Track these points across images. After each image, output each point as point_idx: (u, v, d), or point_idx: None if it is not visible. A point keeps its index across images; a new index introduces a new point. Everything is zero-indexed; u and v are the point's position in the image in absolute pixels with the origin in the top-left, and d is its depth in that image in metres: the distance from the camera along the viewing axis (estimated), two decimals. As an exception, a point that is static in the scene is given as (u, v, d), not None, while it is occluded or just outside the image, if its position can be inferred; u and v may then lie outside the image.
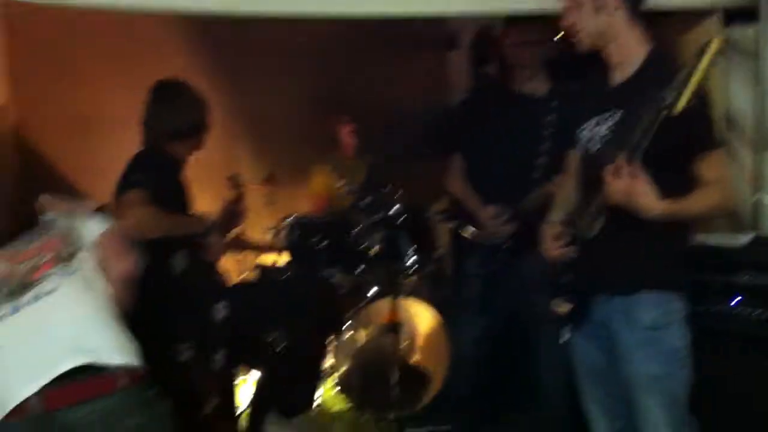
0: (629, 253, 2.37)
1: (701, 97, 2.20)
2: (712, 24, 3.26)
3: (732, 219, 3.44)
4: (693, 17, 3.31)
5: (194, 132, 3.34)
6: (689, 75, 2.02)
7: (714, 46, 2.03)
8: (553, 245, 2.51)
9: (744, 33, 3.21)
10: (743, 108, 3.34)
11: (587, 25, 2.40)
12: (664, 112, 2.07)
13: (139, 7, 2.43)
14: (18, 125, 4.10)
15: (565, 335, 2.58)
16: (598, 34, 2.41)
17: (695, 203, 2.31)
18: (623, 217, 2.27)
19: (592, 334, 2.51)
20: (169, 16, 2.65)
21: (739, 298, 2.97)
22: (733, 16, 3.27)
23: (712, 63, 2.02)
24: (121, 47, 4.29)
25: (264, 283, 4.28)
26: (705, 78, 2.03)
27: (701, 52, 2.03)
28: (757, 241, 3.16)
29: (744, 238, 3.14)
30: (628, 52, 2.44)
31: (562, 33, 2.53)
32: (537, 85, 3.40)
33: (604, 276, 2.42)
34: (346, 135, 4.80)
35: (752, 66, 3.25)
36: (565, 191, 2.71)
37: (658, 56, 2.44)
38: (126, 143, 3.30)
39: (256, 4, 2.57)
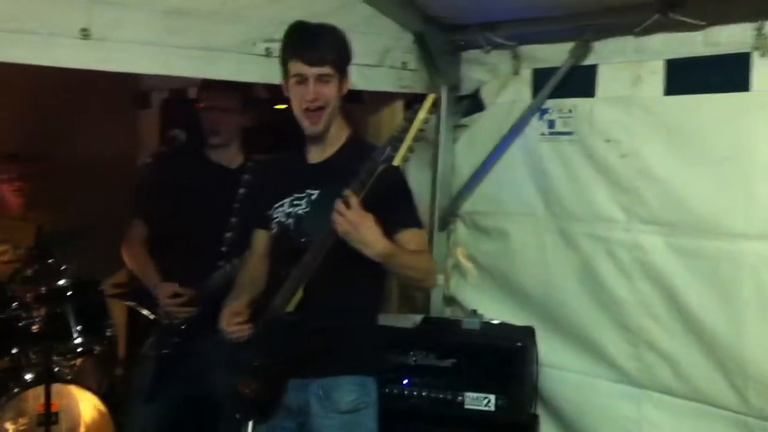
0: (329, 336, 2.33)
1: (401, 176, 2.28)
2: (396, 108, 3.37)
3: (405, 300, 3.54)
4: (379, 101, 3.42)
5: None
6: (405, 130, 2.05)
7: (427, 103, 2.07)
8: (233, 321, 2.39)
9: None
10: (419, 191, 3.45)
11: (332, 104, 2.35)
12: (383, 166, 2.08)
13: None
14: None
15: (249, 429, 2.45)
16: (332, 114, 2.36)
17: (412, 256, 2.32)
18: (323, 296, 2.26)
19: (277, 423, 2.42)
20: None
21: (410, 378, 3.06)
22: (413, 103, 3.39)
23: (426, 119, 2.06)
24: None
25: None
26: (419, 133, 2.07)
27: (415, 109, 2.06)
28: (426, 322, 3.27)
29: (415, 319, 3.24)
30: (337, 133, 2.44)
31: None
32: (229, 156, 3.22)
33: (302, 359, 2.35)
34: (11, 193, 4.23)
35: (429, 151, 3.40)
36: (249, 275, 2.61)
37: (357, 139, 2.48)
38: None
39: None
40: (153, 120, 4.65)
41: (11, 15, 2.24)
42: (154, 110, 4.68)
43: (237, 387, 2.45)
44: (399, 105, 3.38)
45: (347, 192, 2.14)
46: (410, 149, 2.06)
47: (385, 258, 2.21)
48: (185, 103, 4.10)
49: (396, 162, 2.07)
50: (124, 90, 4.69)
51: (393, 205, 2.29)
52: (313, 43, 2.31)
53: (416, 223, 2.45)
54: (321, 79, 2.31)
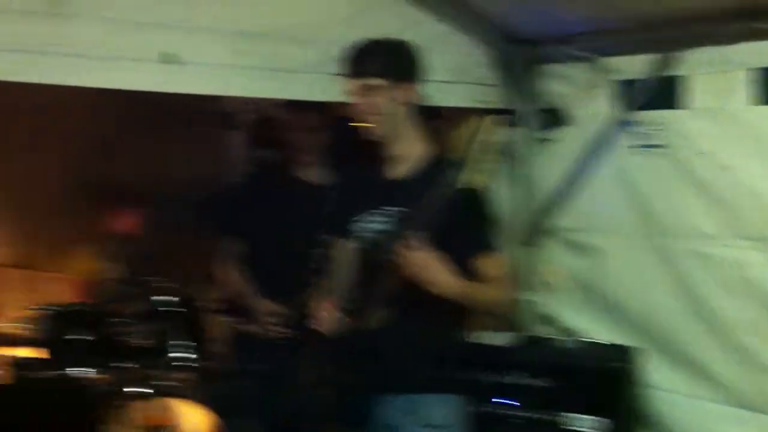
0: (417, 352, 2.35)
1: (476, 199, 2.26)
2: (476, 124, 3.32)
3: (496, 318, 3.46)
4: (459, 116, 3.35)
5: None
6: (467, 153, 2.04)
7: (483, 125, 2.07)
8: (325, 317, 2.43)
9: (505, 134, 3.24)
10: (502, 207, 3.39)
11: (385, 112, 2.38)
12: (447, 191, 2.08)
13: None
14: None
15: None
16: (390, 123, 2.39)
17: (483, 290, 2.32)
18: (409, 314, 2.26)
19: None
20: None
21: (507, 398, 3.00)
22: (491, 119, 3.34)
23: (488, 141, 2.04)
24: None
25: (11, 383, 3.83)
26: (484, 155, 2.04)
27: (475, 131, 2.06)
28: (522, 341, 3.20)
29: (510, 337, 3.17)
30: (410, 148, 2.45)
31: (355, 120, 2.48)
32: (316, 172, 3.28)
33: (390, 376, 2.37)
34: (116, 215, 4.45)
35: (511, 167, 3.34)
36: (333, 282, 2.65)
37: (435, 156, 2.46)
38: None
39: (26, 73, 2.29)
40: (240, 140, 4.77)
41: (97, 42, 2.36)
42: (242, 131, 4.80)
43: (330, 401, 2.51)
44: (479, 121, 3.33)
45: (408, 232, 2.14)
46: (482, 170, 2.03)
47: (455, 297, 2.23)
48: (271, 122, 4.19)
49: (464, 184, 2.04)
50: (211, 111, 4.83)
51: (467, 229, 2.26)
52: (356, 58, 2.37)
53: (492, 247, 2.41)
54: (367, 89, 2.36)
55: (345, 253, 2.60)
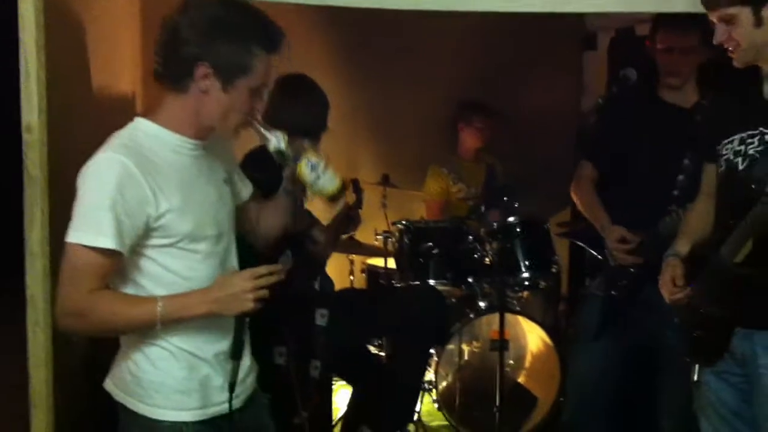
0: None
1: None
2: None
3: None
4: None
5: (313, 130, 3.27)
6: None
7: None
8: (671, 287, 2.40)
9: None
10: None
11: (745, 41, 2.21)
12: None
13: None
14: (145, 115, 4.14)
15: (695, 374, 2.43)
16: (757, 50, 2.22)
17: None
18: None
19: (726, 370, 2.35)
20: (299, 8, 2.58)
21: None
22: None
23: None
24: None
25: (370, 289, 4.18)
26: None
27: None
28: None
29: None
30: None
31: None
32: (684, 95, 3.07)
33: (748, 308, 2.24)
34: (469, 137, 4.59)
35: None
36: (697, 216, 2.53)
37: None
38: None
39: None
40: (600, 61, 4.61)
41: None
42: (601, 51, 4.63)
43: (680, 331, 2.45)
44: None
45: None
46: None
47: None
48: (634, 41, 3.99)
49: None
50: (569, 33, 4.73)
51: None
52: None
53: None
54: (724, 20, 2.21)
55: (710, 177, 2.45)
